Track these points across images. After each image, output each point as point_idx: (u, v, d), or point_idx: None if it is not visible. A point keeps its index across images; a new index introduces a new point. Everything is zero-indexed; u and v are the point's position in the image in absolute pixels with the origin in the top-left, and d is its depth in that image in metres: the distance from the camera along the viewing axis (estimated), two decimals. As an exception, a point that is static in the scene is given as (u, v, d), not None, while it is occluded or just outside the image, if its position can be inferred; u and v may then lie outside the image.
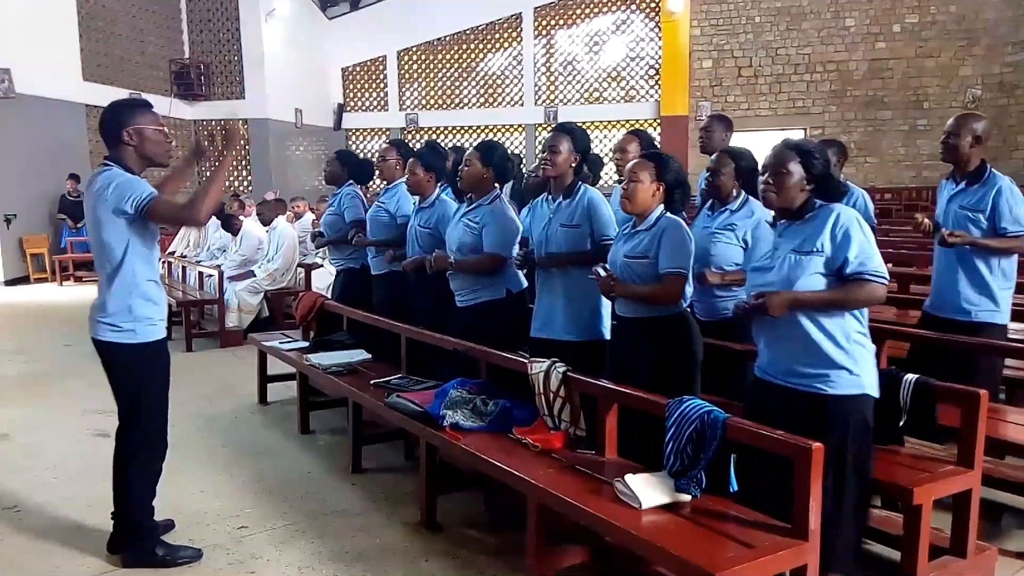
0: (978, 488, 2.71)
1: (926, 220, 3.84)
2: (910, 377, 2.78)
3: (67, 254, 12.30)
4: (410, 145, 5.11)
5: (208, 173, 2.98)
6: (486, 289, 3.83)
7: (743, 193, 3.58)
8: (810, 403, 2.46)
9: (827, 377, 2.45)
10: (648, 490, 2.42)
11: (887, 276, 2.44)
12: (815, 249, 2.44)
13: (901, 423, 2.79)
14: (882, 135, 15.46)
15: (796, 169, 2.51)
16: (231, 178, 16.71)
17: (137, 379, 3.01)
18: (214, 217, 8.88)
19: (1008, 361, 4.13)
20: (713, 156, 3.71)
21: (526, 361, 3.20)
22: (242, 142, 16.45)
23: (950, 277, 3.71)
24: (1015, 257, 3.68)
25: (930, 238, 3.88)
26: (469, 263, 3.78)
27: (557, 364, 3.08)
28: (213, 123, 16.06)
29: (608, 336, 3.43)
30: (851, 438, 2.44)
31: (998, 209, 3.55)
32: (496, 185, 3.90)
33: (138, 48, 14.91)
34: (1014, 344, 3.60)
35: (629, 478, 2.46)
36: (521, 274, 3.96)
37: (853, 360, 2.45)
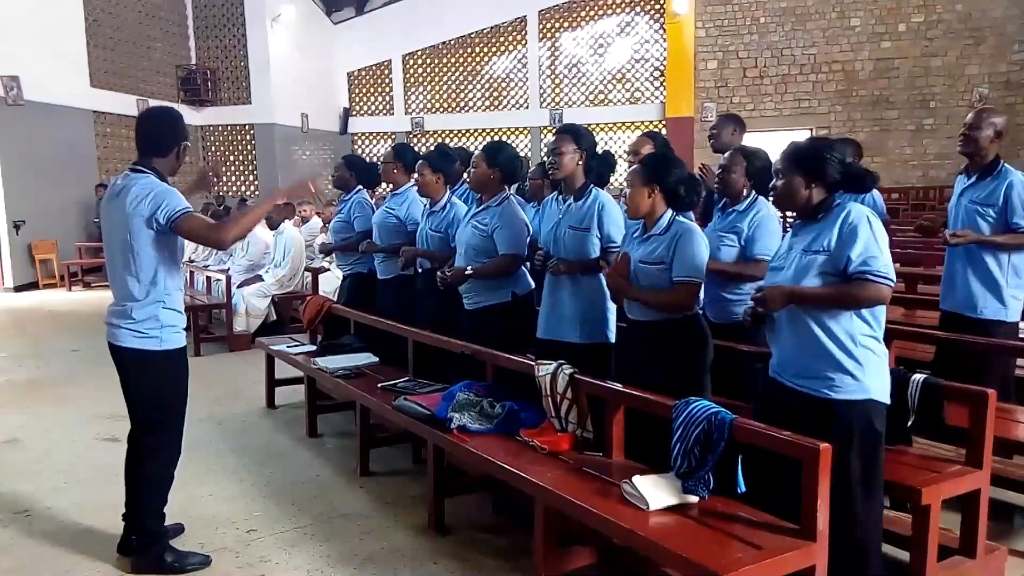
0: (987, 488, 2.70)
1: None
2: (918, 377, 2.78)
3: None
4: (413, 148, 5.13)
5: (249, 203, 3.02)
6: (492, 292, 3.83)
7: (753, 192, 3.57)
8: (815, 406, 2.44)
9: (832, 381, 2.41)
10: (656, 491, 2.42)
11: (893, 277, 2.38)
12: (821, 248, 2.42)
13: (909, 423, 2.78)
14: (888, 135, 15.41)
15: (792, 174, 2.51)
16: (237, 182, 16.78)
17: (160, 386, 3.03)
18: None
19: (1020, 361, 4.12)
20: (726, 154, 3.69)
21: (533, 363, 3.20)
22: (249, 147, 16.54)
23: (960, 273, 3.73)
24: None
25: (935, 237, 3.90)
26: (489, 269, 3.77)
27: (564, 366, 3.08)
28: (217, 152, 16.15)
29: (612, 339, 3.43)
30: (856, 444, 2.40)
31: (1010, 203, 3.56)
32: (505, 187, 3.91)
33: (145, 54, 14.99)
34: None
35: (637, 479, 2.46)
36: (528, 276, 3.96)
37: (859, 365, 2.40)
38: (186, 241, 3.10)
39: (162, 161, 2.98)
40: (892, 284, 2.39)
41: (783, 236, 2.74)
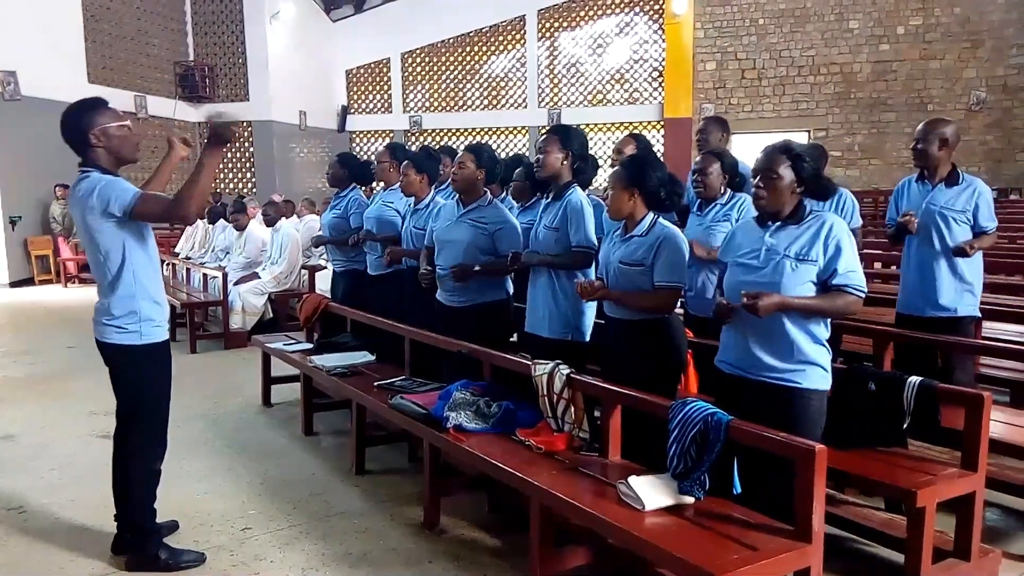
0: (982, 491, 2.71)
1: (915, 220, 3.89)
2: (913, 379, 2.78)
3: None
4: (407, 147, 5.18)
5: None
6: (490, 290, 3.88)
7: (728, 190, 3.74)
8: (782, 396, 2.56)
9: (803, 372, 2.56)
10: (651, 492, 2.42)
11: (865, 290, 2.55)
12: (811, 258, 2.53)
13: (905, 425, 2.79)
14: (886, 137, 15.46)
15: (787, 173, 2.57)
16: (235, 179, 16.75)
17: (141, 380, 3.01)
18: (222, 219, 8.91)
19: (1012, 364, 4.19)
20: (697, 158, 3.85)
21: (530, 363, 3.20)
22: (247, 144, 16.52)
23: (929, 276, 3.86)
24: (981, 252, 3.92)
25: (900, 240, 3.99)
26: (499, 267, 3.82)
27: (561, 366, 3.09)
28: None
29: (587, 338, 3.51)
30: (813, 429, 2.54)
31: (979, 209, 3.79)
32: (486, 190, 3.96)
33: (143, 50, 14.97)
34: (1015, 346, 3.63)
35: (632, 480, 2.47)
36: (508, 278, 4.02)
37: (822, 358, 2.59)
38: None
39: (90, 154, 2.91)
40: (864, 295, 2.56)
41: (749, 230, 2.77)
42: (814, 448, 2.16)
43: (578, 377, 3.03)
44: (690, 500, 2.41)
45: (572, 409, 3.03)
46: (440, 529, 3.37)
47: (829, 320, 2.63)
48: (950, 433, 2.79)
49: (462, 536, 3.33)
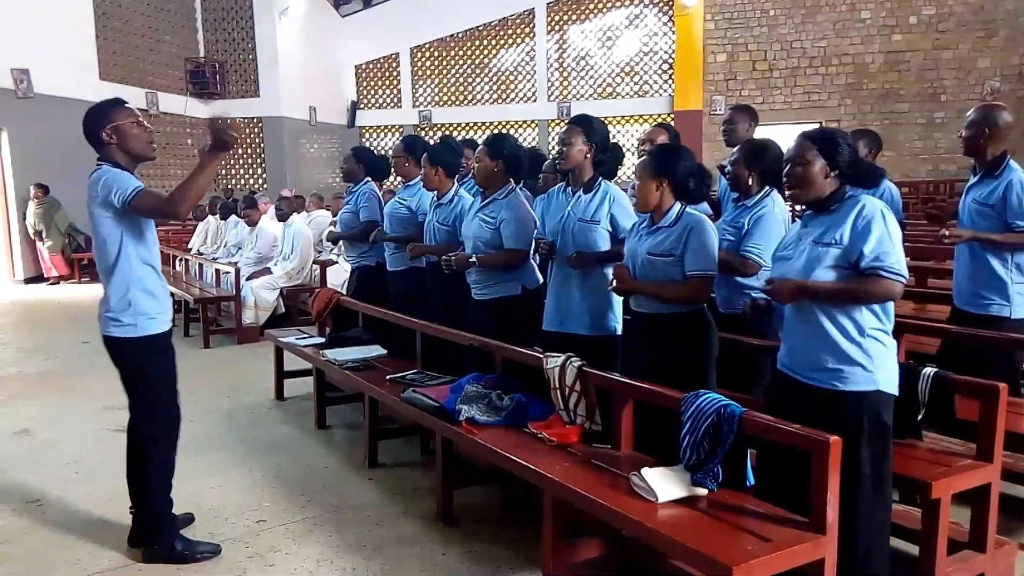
0: (997, 482, 2.69)
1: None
2: (928, 371, 2.76)
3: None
4: (424, 140, 5.10)
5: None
6: (502, 285, 3.84)
7: (764, 187, 3.44)
8: (824, 399, 2.43)
9: (840, 372, 2.40)
10: (664, 484, 2.42)
11: (905, 274, 2.36)
12: (833, 241, 2.40)
13: (919, 417, 2.77)
14: (899, 128, 15.32)
15: (816, 159, 2.45)
16: (246, 175, 16.80)
17: (143, 372, 3.05)
18: (233, 215, 8.95)
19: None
20: (736, 148, 3.64)
21: (541, 356, 3.20)
22: (258, 140, 16.57)
23: (964, 270, 3.74)
24: None
25: (941, 224, 3.89)
26: (492, 260, 3.78)
27: (572, 359, 3.08)
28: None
29: (619, 331, 3.43)
30: (865, 436, 2.40)
31: (1008, 203, 3.51)
32: (510, 179, 3.90)
33: (153, 47, 15.03)
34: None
35: (645, 472, 2.46)
36: (537, 270, 3.96)
37: (868, 356, 2.40)
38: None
39: (105, 150, 2.99)
40: (904, 280, 2.38)
41: (791, 226, 2.72)
42: (827, 440, 2.14)
43: (589, 370, 3.03)
44: (703, 492, 2.40)
45: (584, 402, 3.03)
46: (453, 521, 3.38)
47: (886, 314, 2.43)
48: (968, 424, 2.77)
49: (475, 528, 3.34)
